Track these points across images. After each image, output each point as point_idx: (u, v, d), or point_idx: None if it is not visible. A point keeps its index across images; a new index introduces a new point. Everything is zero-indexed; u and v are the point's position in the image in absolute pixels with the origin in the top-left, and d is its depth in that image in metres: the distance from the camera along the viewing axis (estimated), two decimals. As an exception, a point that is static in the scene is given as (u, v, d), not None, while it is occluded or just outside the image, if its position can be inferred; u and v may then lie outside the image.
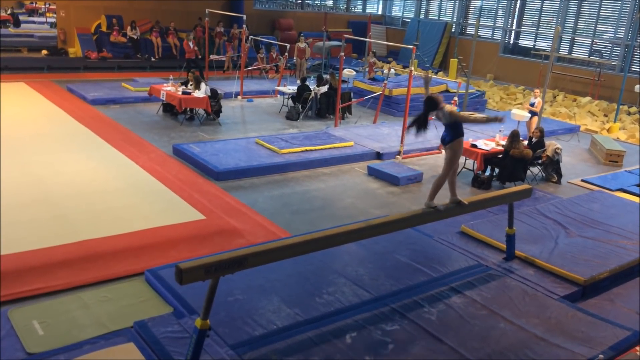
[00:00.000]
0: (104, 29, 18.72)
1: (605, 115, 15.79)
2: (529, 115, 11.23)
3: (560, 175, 9.82)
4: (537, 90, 11.68)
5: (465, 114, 5.54)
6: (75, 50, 18.47)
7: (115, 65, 17.43)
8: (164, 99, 12.14)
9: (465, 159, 9.77)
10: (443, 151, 10.66)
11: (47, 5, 27.46)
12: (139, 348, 4.31)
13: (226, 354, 4.32)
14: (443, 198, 5.74)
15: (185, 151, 9.47)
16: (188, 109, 12.06)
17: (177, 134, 11.11)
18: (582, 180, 9.93)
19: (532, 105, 11.43)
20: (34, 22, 26.11)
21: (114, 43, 18.42)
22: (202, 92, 11.89)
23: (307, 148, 10.01)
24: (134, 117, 12.24)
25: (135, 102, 13.55)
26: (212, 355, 4.28)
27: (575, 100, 17.49)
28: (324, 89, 13.38)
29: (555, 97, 17.72)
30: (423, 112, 5.25)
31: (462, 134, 5.36)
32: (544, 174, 9.88)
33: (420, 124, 5.20)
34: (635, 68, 17.65)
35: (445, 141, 5.41)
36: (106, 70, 17.18)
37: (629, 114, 16.15)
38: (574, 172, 10.46)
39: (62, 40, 18.83)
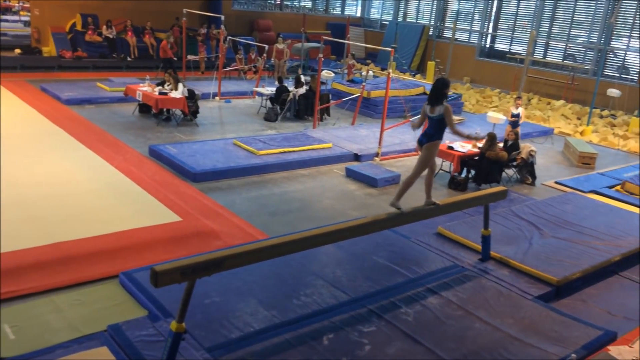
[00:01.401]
0: (79, 27, 18.42)
1: (579, 119, 16.08)
2: (504, 118, 11.37)
3: (534, 177, 9.97)
4: (520, 101, 11.69)
5: (453, 120, 5.52)
6: (49, 49, 18.15)
7: (91, 65, 17.18)
8: (141, 99, 12.01)
9: (442, 161, 9.86)
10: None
11: (20, 4, 27.00)
12: (113, 352, 4.25)
13: (202, 357, 4.29)
14: (412, 200, 5.78)
15: (161, 152, 9.38)
16: (165, 109, 11.94)
17: (153, 135, 11.00)
18: (556, 182, 10.09)
19: (516, 116, 11.24)
20: (7, 21, 25.58)
21: (89, 42, 18.14)
22: (179, 92, 11.79)
23: (285, 149, 9.99)
24: (110, 117, 12.08)
25: (110, 102, 13.37)
26: (187, 359, 4.24)
27: (549, 103, 17.79)
28: (303, 90, 13.38)
29: (530, 100, 17.99)
30: (439, 90, 5.32)
31: (441, 138, 5.40)
32: (518, 176, 10.02)
33: (438, 98, 5.26)
34: (607, 72, 18.03)
35: (422, 142, 5.42)
36: (81, 69, 16.91)
37: (602, 117, 16.48)
38: (548, 174, 10.63)
39: (36, 39, 18.48)
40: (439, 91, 5.32)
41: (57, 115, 11.61)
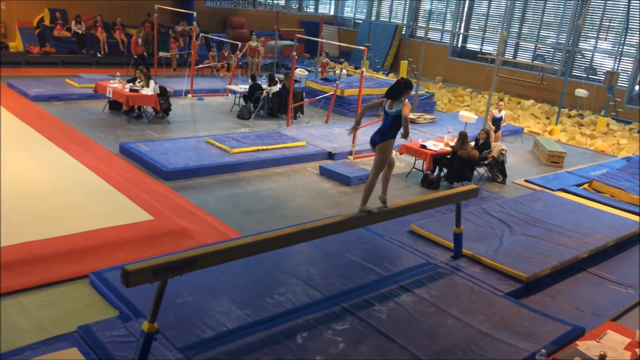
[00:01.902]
0: (47, 22, 18.01)
1: (547, 118, 16.40)
2: (476, 117, 11.52)
3: (505, 176, 10.13)
4: (502, 103, 11.81)
5: (409, 118, 5.30)
6: (16, 44, 17.69)
7: (59, 61, 16.81)
8: (111, 96, 11.80)
9: (415, 159, 9.94)
10: (394, 152, 10.83)
11: (-15, -3, 26.23)
12: (83, 353, 4.17)
13: (174, 357, 4.24)
14: (389, 198, 5.81)
15: (132, 150, 9.23)
16: (136, 106, 11.76)
17: (124, 133, 10.82)
18: (526, 181, 10.27)
19: (499, 119, 11.42)
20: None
21: (57, 38, 17.74)
22: (150, 89, 11.63)
23: (259, 147, 9.95)
24: (79, 114, 11.84)
25: (80, 99, 13.11)
26: (160, 359, 4.19)
27: (519, 102, 18.10)
28: (276, 88, 13.33)
29: (501, 100, 18.24)
30: (401, 87, 5.18)
31: (394, 136, 5.26)
32: (489, 174, 10.17)
33: (398, 95, 5.14)
34: (575, 73, 18.42)
35: (375, 141, 5.26)
36: (49, 65, 16.54)
37: (570, 116, 16.83)
38: (518, 173, 10.81)
39: (2, 33, 17.98)
40: (400, 88, 5.18)
41: (24, 112, 11.33)
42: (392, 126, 5.22)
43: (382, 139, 5.22)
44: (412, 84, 5.32)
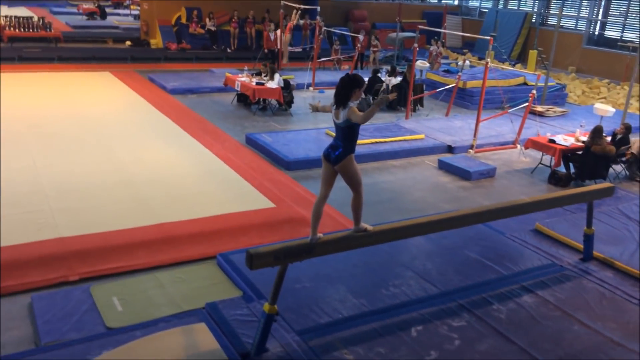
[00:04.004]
0: (183, 20, 19.37)
1: (700, 112, 14.69)
2: (613, 110, 10.63)
3: (645, 174, 9.26)
4: None
5: (360, 114, 4.11)
6: (156, 41, 19.23)
7: (194, 57, 18.01)
8: (239, 89, 12.44)
9: (542, 155, 9.41)
10: (519, 146, 10.27)
11: (131, -2, 28.73)
12: (210, 329, 4.48)
13: (292, 340, 4.41)
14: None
15: (257, 140, 9.68)
16: (261, 99, 12.29)
17: (250, 124, 11.37)
18: (671, 180, 9.32)
19: None
20: (118, 14, 27.44)
21: (192, 34, 19.02)
22: (275, 82, 12.08)
23: (377, 140, 9.97)
24: (210, 106, 12.64)
25: (211, 92, 13.99)
26: (278, 340, 4.39)
27: (666, 95, 16.39)
28: (396, 80, 13.24)
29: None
30: (346, 87, 4.11)
31: (353, 150, 4.19)
32: (627, 173, 9.36)
33: (344, 98, 4.09)
34: None
35: (330, 159, 4.19)
36: (185, 61, 17.78)
37: None
38: (662, 172, 9.82)
39: (144, 31, 19.66)
40: (347, 89, 4.08)
41: (163, 103, 12.32)
42: (346, 139, 4.13)
43: (337, 159, 4.14)
44: (362, 79, 4.15)
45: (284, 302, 4.78)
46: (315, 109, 4.75)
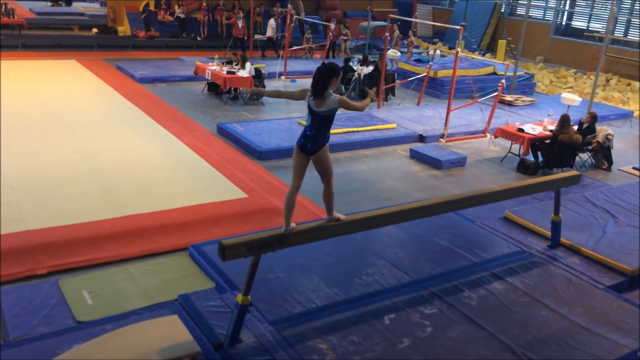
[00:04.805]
0: (152, 7, 18.99)
1: (662, 101, 15.11)
2: (579, 99, 10.84)
3: (610, 162, 9.50)
4: None
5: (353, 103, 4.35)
6: (124, 29, 18.83)
7: (163, 45, 17.70)
8: (209, 78, 12.29)
9: (512, 144, 9.56)
10: (488, 135, 10.41)
11: (97, -16, 28.02)
12: (183, 320, 4.42)
13: (266, 330, 4.41)
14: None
15: (229, 130, 9.60)
16: (232, 88, 12.17)
17: (221, 113, 11.26)
18: (634, 168, 9.58)
19: None
20: (84, 1, 26.76)
21: (161, 22, 18.68)
22: (246, 71, 11.97)
23: (349, 129, 9.98)
24: (180, 95, 12.46)
25: (181, 80, 13.78)
26: (252, 331, 4.38)
27: (629, 84, 16.79)
28: (368, 69, 13.26)
29: (608, 81, 17.06)
30: (325, 76, 4.07)
31: (328, 139, 4.23)
32: (593, 161, 9.58)
33: (318, 88, 4.08)
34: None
35: (306, 149, 4.17)
36: (154, 49, 17.49)
37: (688, 99, 15.40)
38: (626, 159, 10.09)
39: (111, 19, 19.22)
40: (324, 78, 4.04)
41: (131, 92, 12.09)
42: (323, 127, 4.15)
43: (314, 149, 4.14)
44: (339, 68, 4.14)
45: (257, 292, 4.78)
46: (255, 94, 4.65)
